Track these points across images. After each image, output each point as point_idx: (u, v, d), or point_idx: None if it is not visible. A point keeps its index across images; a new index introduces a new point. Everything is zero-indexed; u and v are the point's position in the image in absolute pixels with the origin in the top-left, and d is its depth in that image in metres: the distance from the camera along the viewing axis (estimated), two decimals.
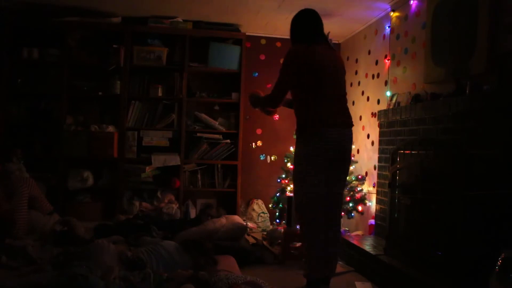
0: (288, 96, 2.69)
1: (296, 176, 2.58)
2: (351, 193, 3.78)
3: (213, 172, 4.52)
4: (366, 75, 4.20)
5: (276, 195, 4.08)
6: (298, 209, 2.59)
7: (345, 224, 4.16)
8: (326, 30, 3.91)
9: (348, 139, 2.58)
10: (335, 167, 2.53)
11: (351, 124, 2.61)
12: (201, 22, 4.41)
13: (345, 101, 2.64)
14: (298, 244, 3.32)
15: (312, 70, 2.51)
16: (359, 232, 3.92)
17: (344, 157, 2.57)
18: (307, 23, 2.66)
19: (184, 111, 4.37)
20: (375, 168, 3.77)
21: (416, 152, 2.78)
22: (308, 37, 2.60)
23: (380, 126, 3.53)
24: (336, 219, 2.62)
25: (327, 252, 2.52)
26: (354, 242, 3.23)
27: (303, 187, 2.52)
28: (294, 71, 2.53)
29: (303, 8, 3.85)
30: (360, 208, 3.75)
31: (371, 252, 2.95)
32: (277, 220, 4.08)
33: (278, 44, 4.81)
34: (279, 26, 4.45)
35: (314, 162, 2.49)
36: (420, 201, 2.66)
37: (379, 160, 3.50)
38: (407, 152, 2.89)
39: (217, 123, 4.51)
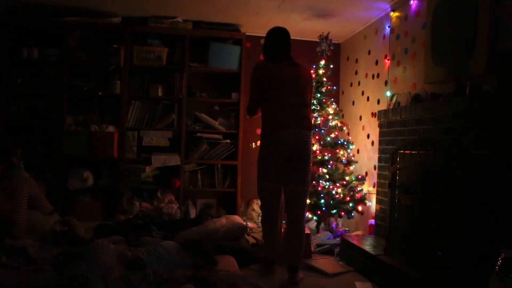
0: None
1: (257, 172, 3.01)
2: (351, 193, 3.78)
3: (213, 172, 4.52)
4: (366, 75, 4.20)
5: None
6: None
7: (345, 224, 4.17)
8: (326, 30, 3.95)
9: (299, 139, 2.87)
10: (288, 165, 2.87)
11: (306, 127, 2.90)
12: (201, 22, 4.41)
13: (303, 108, 2.94)
14: None
15: (268, 84, 2.91)
16: (359, 232, 3.92)
17: (295, 155, 2.86)
18: (269, 43, 3.03)
19: (184, 111, 4.37)
20: (375, 168, 3.77)
21: (416, 152, 2.78)
22: (268, 56, 3.01)
23: (380, 126, 3.53)
24: (294, 213, 2.91)
25: (275, 238, 2.99)
26: (354, 242, 3.23)
27: (258, 181, 2.97)
28: (256, 84, 2.97)
29: (302, 8, 3.88)
30: (360, 208, 3.75)
31: (371, 252, 2.95)
32: None
33: None
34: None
35: (264, 161, 2.93)
36: (420, 201, 2.66)
37: (379, 160, 3.50)
38: (407, 152, 2.89)
39: (217, 123, 4.51)
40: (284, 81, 2.89)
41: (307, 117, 2.94)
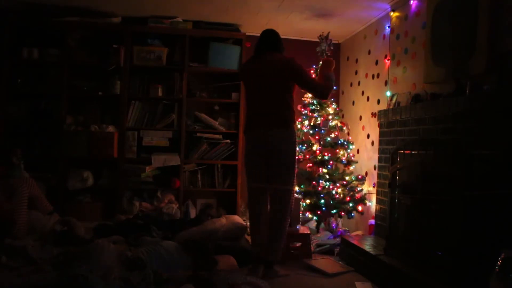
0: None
1: None
2: (351, 193, 3.78)
3: (213, 172, 4.52)
4: (366, 75, 4.20)
5: None
6: None
7: (345, 224, 4.17)
8: (326, 30, 3.95)
9: (270, 139, 2.83)
10: (268, 164, 2.88)
11: (277, 125, 2.83)
12: (201, 22, 4.41)
13: (275, 104, 2.85)
14: (298, 244, 3.32)
15: (244, 82, 3.07)
16: (359, 232, 3.92)
17: (271, 154, 2.85)
18: (255, 44, 3.04)
19: (184, 111, 4.38)
20: (375, 168, 3.77)
21: (416, 152, 2.78)
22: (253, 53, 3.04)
23: (380, 126, 3.53)
24: (273, 211, 2.90)
25: (262, 236, 2.91)
26: (354, 242, 3.23)
27: (246, 179, 3.04)
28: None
29: (302, 8, 3.88)
30: (360, 208, 3.75)
31: (371, 252, 2.95)
32: None
33: None
34: (279, 26, 4.43)
35: (245, 160, 3.01)
36: (420, 201, 2.66)
37: (379, 160, 3.50)
38: (407, 152, 2.89)
39: (217, 123, 4.51)
40: (253, 78, 2.92)
41: (279, 114, 2.84)
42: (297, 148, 3.64)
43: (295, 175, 2.93)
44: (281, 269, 2.94)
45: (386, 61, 3.74)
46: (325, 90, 2.99)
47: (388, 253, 2.88)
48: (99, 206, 4.23)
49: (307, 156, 3.98)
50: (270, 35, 3.00)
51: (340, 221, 4.04)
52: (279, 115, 2.84)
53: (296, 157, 2.95)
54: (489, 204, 2.13)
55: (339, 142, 3.93)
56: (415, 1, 3.30)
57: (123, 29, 4.28)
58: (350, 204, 3.73)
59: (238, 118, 4.49)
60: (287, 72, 2.85)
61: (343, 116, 4.62)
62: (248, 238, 3.76)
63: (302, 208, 3.69)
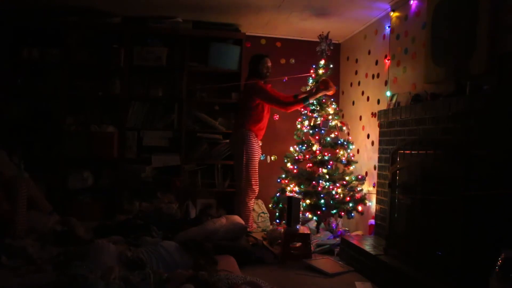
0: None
1: None
2: (351, 193, 3.78)
3: (213, 172, 4.52)
4: (366, 75, 4.20)
5: (276, 195, 4.08)
6: None
7: (345, 224, 4.17)
8: (326, 30, 3.96)
9: (234, 138, 4.01)
10: None
11: (236, 127, 4.03)
12: (201, 22, 4.41)
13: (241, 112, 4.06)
14: (298, 244, 3.32)
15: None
16: (359, 232, 3.92)
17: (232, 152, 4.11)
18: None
19: (184, 111, 4.38)
20: (375, 168, 3.77)
21: (416, 152, 2.78)
22: None
23: (380, 126, 3.53)
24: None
25: None
26: (354, 242, 3.23)
27: None
28: None
29: (302, 8, 3.88)
30: (360, 208, 3.75)
31: (371, 252, 2.95)
32: (277, 220, 4.08)
33: (278, 44, 4.81)
34: (279, 26, 4.45)
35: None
36: (420, 201, 2.66)
37: (379, 160, 3.50)
38: (407, 152, 2.89)
39: (217, 123, 4.51)
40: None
41: (238, 119, 4.03)
42: (297, 148, 4.04)
43: None
44: (281, 269, 2.95)
45: (386, 61, 3.73)
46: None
47: (388, 253, 2.88)
48: (99, 206, 4.22)
49: (307, 156, 3.98)
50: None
51: (340, 221, 4.04)
52: (238, 119, 4.16)
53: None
54: (489, 204, 2.13)
55: (339, 142, 3.93)
56: (415, 1, 3.30)
57: (123, 29, 4.28)
58: (350, 204, 3.73)
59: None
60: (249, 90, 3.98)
61: (343, 116, 4.62)
62: (248, 238, 3.76)
63: (302, 208, 3.69)
